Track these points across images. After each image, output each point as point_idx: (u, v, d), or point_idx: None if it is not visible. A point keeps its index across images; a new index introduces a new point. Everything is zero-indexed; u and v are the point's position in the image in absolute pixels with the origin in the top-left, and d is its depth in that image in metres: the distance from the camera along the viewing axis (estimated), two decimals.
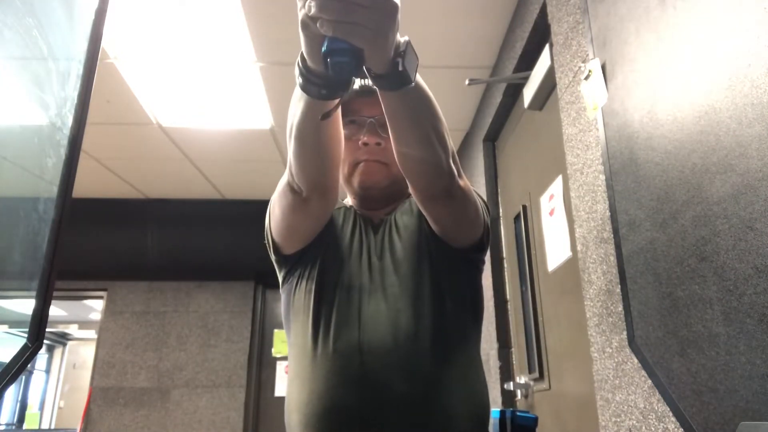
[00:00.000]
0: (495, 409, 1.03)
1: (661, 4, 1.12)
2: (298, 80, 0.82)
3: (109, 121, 3.27)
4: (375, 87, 0.85)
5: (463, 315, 1.08)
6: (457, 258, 1.11)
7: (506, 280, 2.75)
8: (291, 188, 1.00)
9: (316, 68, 0.78)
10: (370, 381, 0.95)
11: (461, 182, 1.00)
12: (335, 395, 0.96)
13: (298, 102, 0.89)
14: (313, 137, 0.91)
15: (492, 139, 2.99)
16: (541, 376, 2.20)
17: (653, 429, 1.21)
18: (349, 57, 0.70)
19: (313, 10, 0.66)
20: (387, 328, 0.99)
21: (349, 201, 1.22)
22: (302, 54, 0.78)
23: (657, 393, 1.17)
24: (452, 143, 1.00)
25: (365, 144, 1.10)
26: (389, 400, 0.95)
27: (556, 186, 2.03)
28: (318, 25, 0.68)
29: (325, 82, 0.80)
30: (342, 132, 0.99)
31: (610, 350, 1.42)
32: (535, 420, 1.02)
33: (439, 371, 0.99)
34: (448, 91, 2.98)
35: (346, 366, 0.97)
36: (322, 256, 1.08)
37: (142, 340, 4.65)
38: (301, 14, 0.71)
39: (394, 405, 0.94)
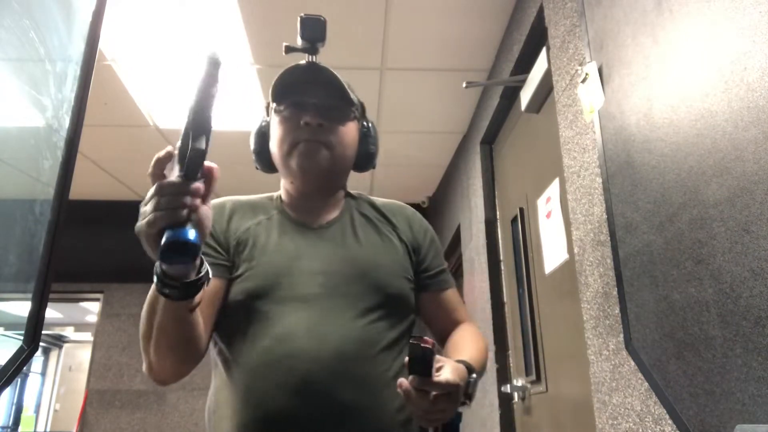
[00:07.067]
0: None
1: (657, 7, 1.13)
2: (156, 285, 0.80)
3: (106, 122, 3.27)
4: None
5: (405, 323, 1.07)
6: (417, 278, 1.13)
7: (503, 283, 2.75)
8: (151, 377, 0.96)
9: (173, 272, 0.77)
10: (312, 390, 0.92)
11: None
12: (277, 404, 0.92)
13: (152, 304, 0.85)
14: (175, 335, 0.88)
15: (489, 141, 3.00)
16: (538, 379, 2.20)
17: None
18: (189, 258, 0.69)
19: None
20: (335, 339, 0.96)
21: (276, 194, 1.17)
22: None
23: (654, 395, 1.17)
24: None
25: (306, 124, 1.05)
26: (331, 408, 0.93)
27: (553, 189, 2.03)
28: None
29: (179, 284, 0.78)
30: (200, 322, 0.93)
31: (607, 353, 1.43)
32: (459, 415, 1.00)
33: (383, 379, 0.98)
34: (446, 94, 2.99)
35: (288, 376, 0.93)
36: (251, 271, 1.02)
37: (139, 342, 4.63)
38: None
39: (336, 413, 0.93)
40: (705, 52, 0.98)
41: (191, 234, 0.68)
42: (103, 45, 2.57)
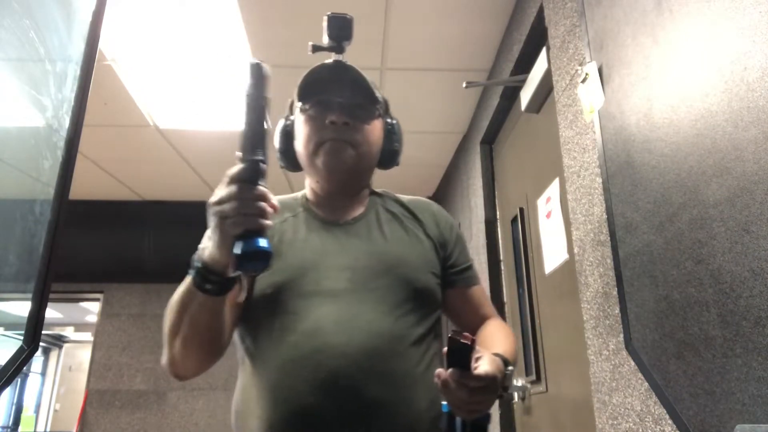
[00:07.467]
0: (445, 403, 1.01)
1: (657, 7, 1.13)
2: (194, 279, 0.86)
3: (106, 123, 3.27)
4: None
5: (432, 319, 1.07)
6: (444, 274, 1.12)
7: (503, 283, 2.75)
8: (171, 372, 1.00)
9: (216, 266, 0.83)
10: (340, 386, 0.92)
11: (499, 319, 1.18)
12: (305, 401, 0.91)
13: (186, 299, 0.91)
14: (207, 329, 0.93)
15: (489, 141, 3.00)
16: (538, 379, 2.20)
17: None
18: (264, 260, 0.77)
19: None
20: (362, 334, 0.95)
21: (302, 193, 1.17)
22: (199, 254, 0.86)
23: (654, 395, 1.17)
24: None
25: (332, 123, 1.05)
26: (359, 404, 0.92)
27: (553, 188, 2.03)
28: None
29: (221, 279, 0.85)
30: (226, 321, 0.97)
31: (607, 353, 1.43)
32: (488, 416, 0.97)
33: (411, 375, 0.97)
34: (446, 94, 2.99)
35: (315, 371, 0.92)
36: (278, 264, 1.01)
37: (139, 342, 4.63)
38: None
39: (364, 409, 0.92)
40: (705, 52, 0.98)
41: (265, 242, 0.76)
42: (103, 45, 2.57)
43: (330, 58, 1.09)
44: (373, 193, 1.20)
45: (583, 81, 1.49)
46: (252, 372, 1.00)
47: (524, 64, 2.29)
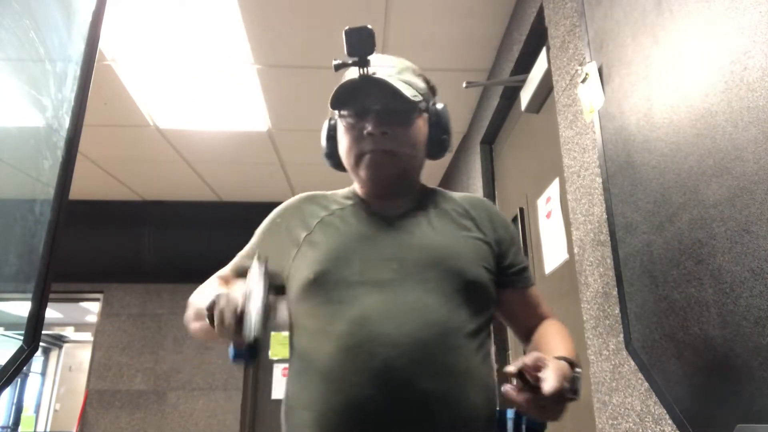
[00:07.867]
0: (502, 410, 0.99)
1: (657, 7, 1.13)
2: (206, 316, 0.90)
3: (106, 123, 3.27)
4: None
5: (484, 315, 1.05)
6: (501, 274, 1.11)
7: None
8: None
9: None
10: (394, 377, 0.90)
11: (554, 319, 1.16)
12: (358, 392, 0.90)
13: (200, 310, 0.95)
14: (213, 336, 1.00)
15: (489, 141, 3.00)
16: None
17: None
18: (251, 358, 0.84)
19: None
20: (413, 324, 0.94)
21: (350, 188, 1.18)
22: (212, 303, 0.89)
23: (654, 395, 1.17)
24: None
25: (370, 134, 1.04)
26: (413, 397, 0.90)
27: (553, 188, 2.03)
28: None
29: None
30: None
31: (607, 353, 1.43)
32: (542, 425, 0.97)
33: (465, 369, 0.95)
34: (446, 94, 2.97)
35: (368, 361, 0.91)
36: (324, 255, 1.03)
37: (139, 342, 4.64)
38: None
39: (418, 402, 0.90)
40: (705, 52, 0.98)
41: (251, 355, 0.82)
42: (103, 45, 2.57)
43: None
44: (424, 189, 1.19)
45: (583, 81, 1.49)
46: (300, 363, 1.00)
47: (524, 64, 2.29)
